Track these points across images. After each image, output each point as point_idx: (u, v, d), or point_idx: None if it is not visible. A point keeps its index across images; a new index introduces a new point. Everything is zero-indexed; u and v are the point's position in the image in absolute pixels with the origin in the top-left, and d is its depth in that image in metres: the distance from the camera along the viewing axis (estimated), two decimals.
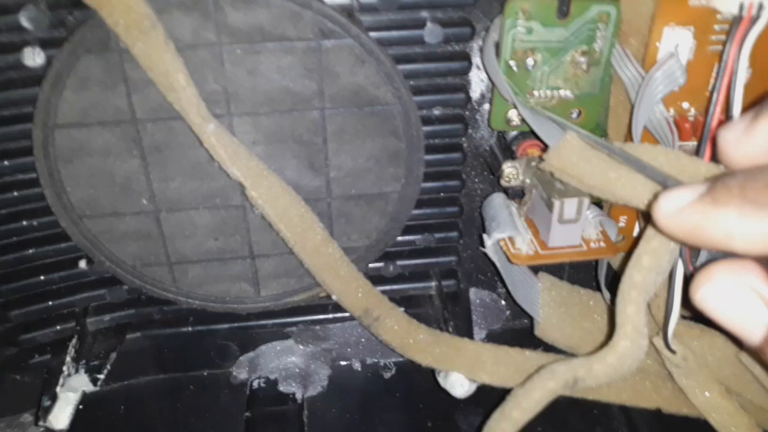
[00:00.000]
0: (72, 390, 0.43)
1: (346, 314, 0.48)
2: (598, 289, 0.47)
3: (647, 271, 0.32)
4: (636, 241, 0.44)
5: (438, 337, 0.45)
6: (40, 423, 0.42)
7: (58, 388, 0.43)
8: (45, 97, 0.39)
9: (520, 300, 0.46)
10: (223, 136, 0.38)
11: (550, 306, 0.46)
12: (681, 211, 0.25)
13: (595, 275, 0.48)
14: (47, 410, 0.42)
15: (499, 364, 0.43)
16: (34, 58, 0.39)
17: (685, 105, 0.40)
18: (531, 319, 0.48)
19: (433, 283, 0.50)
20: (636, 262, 0.33)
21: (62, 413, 0.42)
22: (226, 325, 0.50)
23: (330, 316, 0.51)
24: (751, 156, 0.26)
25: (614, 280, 0.46)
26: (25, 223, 0.44)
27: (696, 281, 0.25)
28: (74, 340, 0.46)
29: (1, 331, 0.47)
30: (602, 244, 0.42)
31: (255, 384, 0.50)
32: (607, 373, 0.34)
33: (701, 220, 0.24)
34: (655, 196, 0.28)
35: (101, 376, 0.47)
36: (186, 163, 0.42)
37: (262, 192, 0.40)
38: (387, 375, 0.52)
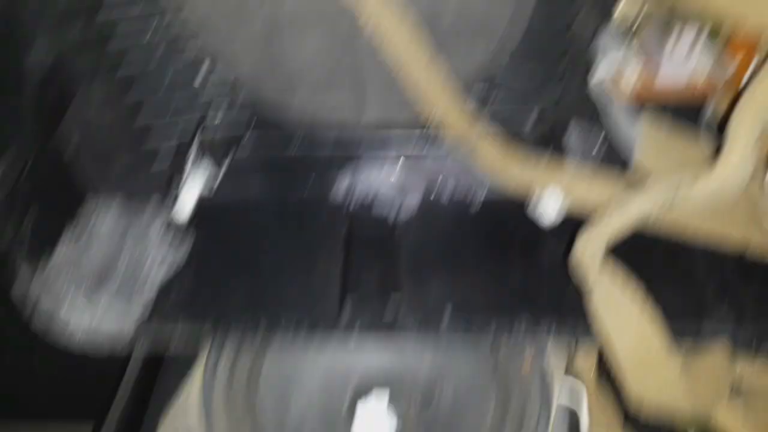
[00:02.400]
0: (192, 189, 0.48)
1: (442, 147, 0.49)
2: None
3: (766, 94, 0.32)
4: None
5: (535, 162, 0.46)
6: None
7: (180, 187, 0.47)
8: None
9: (620, 138, 0.46)
10: None
11: (650, 146, 0.46)
12: None
13: (697, 119, 0.47)
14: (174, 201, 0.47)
15: (593, 186, 0.44)
16: None
17: None
18: (625, 162, 0.48)
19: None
20: (757, 85, 0.32)
21: (185, 207, 0.47)
22: (328, 151, 0.52)
23: (426, 148, 0.52)
24: None
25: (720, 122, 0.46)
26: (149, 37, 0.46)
27: None
28: (192, 151, 0.49)
29: (126, 138, 0.51)
30: (712, 84, 0.41)
31: (352, 206, 0.53)
32: (711, 190, 0.34)
33: None
34: None
35: (214, 186, 0.51)
36: None
37: (374, 14, 0.40)
38: (475, 208, 0.54)
